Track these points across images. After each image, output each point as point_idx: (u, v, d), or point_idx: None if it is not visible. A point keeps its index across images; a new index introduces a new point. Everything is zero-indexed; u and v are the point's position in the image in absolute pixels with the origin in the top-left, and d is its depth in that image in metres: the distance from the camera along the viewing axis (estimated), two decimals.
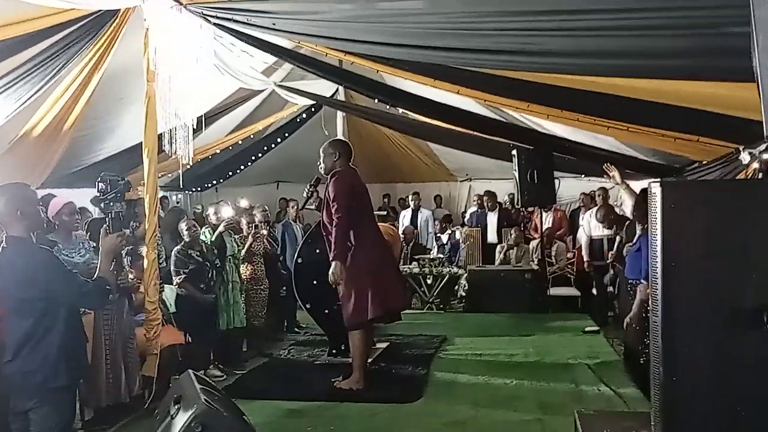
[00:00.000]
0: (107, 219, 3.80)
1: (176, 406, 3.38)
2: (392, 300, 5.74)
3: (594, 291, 8.84)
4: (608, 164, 6.32)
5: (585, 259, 8.92)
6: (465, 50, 4.02)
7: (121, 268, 4.85)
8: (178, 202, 12.39)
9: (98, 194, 3.97)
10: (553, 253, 9.91)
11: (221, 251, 6.61)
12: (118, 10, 5.06)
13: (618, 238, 7.60)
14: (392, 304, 5.79)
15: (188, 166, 6.73)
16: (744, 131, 4.84)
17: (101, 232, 3.70)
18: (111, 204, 3.87)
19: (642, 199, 4.97)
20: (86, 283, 3.45)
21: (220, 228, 6.70)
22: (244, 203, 8.46)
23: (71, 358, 3.39)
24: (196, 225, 6.58)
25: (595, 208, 8.97)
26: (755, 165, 5.29)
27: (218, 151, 10.46)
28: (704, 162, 6.49)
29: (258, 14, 4.63)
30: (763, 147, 5.12)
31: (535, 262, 9.62)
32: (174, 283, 6.16)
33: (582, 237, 9.15)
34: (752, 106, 3.97)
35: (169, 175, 9.68)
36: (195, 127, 6.44)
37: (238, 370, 6.45)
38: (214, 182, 13.00)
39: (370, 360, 6.09)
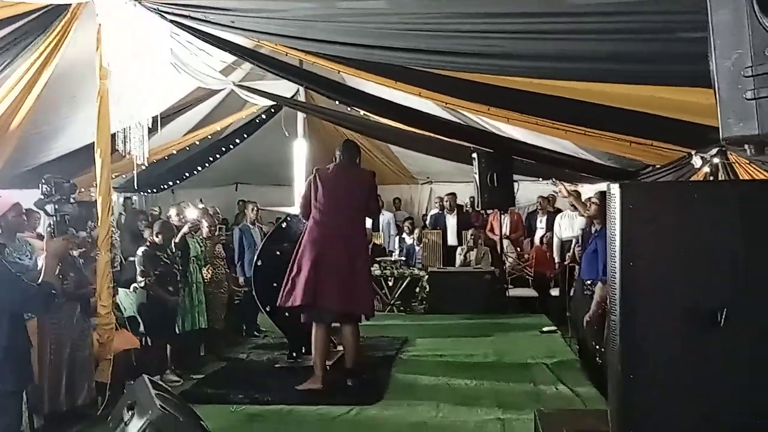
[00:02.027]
0: (52, 222, 3.69)
1: (130, 412, 3.30)
2: (326, 296, 5.47)
3: (556, 292, 8.98)
4: (554, 179, 6.48)
5: (556, 260, 9.10)
6: (425, 51, 4.02)
7: (69, 272, 4.71)
8: (132, 204, 12.16)
9: (42, 197, 3.85)
10: (511, 255, 10.03)
11: (184, 253, 6.52)
12: (69, 4, 4.92)
13: (575, 240, 7.73)
14: (324, 300, 5.48)
15: (143, 167, 6.61)
16: (696, 136, 4.96)
17: (45, 236, 3.60)
18: (56, 207, 3.76)
19: (602, 200, 5.06)
20: (30, 287, 3.35)
21: (184, 229, 6.60)
22: (200, 206, 8.35)
23: (15, 363, 3.28)
24: (172, 228, 6.47)
25: (570, 209, 9.15)
26: (706, 169, 5.44)
27: (175, 152, 10.29)
28: (657, 166, 6.63)
29: (216, 11, 4.56)
30: (714, 151, 5.27)
31: (495, 264, 9.71)
32: (140, 285, 6.05)
33: (554, 239, 9.34)
34: (705, 112, 4.07)
35: (124, 176, 9.49)
36: (150, 127, 6.32)
37: (196, 374, 6.35)
38: (171, 184, 12.77)
39: (330, 362, 6.05)
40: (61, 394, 4.86)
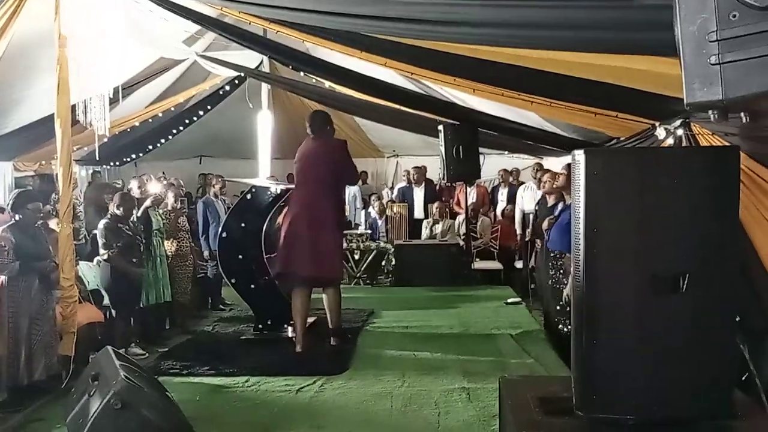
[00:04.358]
0: None
1: (94, 384, 3.27)
2: (296, 264, 5.76)
3: (520, 264, 9.10)
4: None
5: (518, 232, 9.21)
6: (389, 19, 3.97)
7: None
8: (100, 177, 11.95)
9: None
10: (478, 228, 10.11)
11: (147, 226, 6.44)
12: None
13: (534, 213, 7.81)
14: (295, 267, 5.78)
15: (105, 139, 6.47)
16: (660, 107, 5.01)
17: None
18: None
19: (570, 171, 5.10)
20: None
21: (147, 203, 6.51)
22: (163, 180, 8.23)
23: None
24: (133, 199, 6.38)
25: (533, 182, 9.23)
26: (670, 140, 5.50)
27: (137, 124, 10.10)
28: (622, 138, 6.69)
29: None
30: (677, 123, 5.33)
31: (461, 237, 9.79)
32: (104, 257, 5.96)
33: (516, 211, 9.46)
34: (669, 83, 4.10)
35: (86, 148, 9.29)
36: (111, 98, 6.19)
37: (161, 348, 6.30)
38: (133, 156, 12.56)
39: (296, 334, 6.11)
40: (20, 368, 4.80)
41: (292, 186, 6.32)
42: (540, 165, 9.56)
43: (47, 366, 4.99)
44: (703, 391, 2.39)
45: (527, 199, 9.34)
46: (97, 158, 8.15)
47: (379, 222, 11.05)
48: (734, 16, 1.65)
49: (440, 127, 8.44)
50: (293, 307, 5.89)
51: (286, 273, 5.90)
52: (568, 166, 5.61)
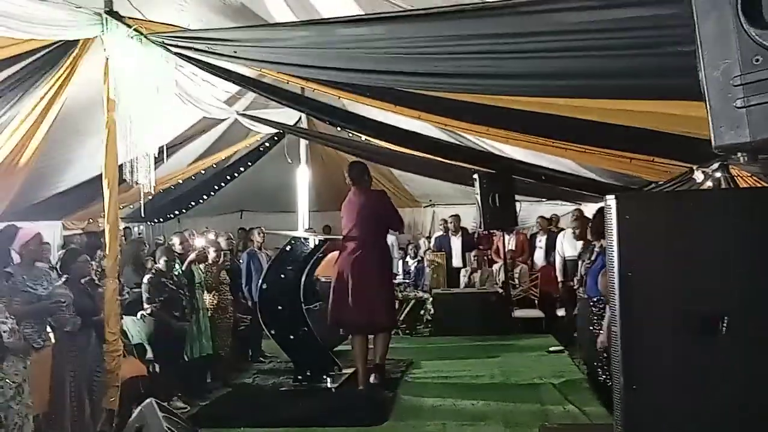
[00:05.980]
0: None
1: None
2: (347, 313, 6.15)
3: (563, 312, 8.94)
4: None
5: (559, 279, 9.08)
6: (423, 74, 4.07)
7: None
8: (140, 234, 12.23)
9: None
10: (516, 276, 10.02)
11: (190, 280, 6.58)
12: (78, 40, 5.03)
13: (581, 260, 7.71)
14: (347, 316, 6.18)
15: (150, 197, 6.68)
16: (696, 151, 4.99)
17: None
18: None
19: (599, 217, 5.06)
20: None
21: (191, 257, 6.66)
22: (211, 235, 8.41)
23: None
24: (174, 254, 6.56)
25: (570, 227, 9.13)
26: (709, 183, 5.45)
27: (180, 181, 10.39)
28: (660, 182, 6.65)
29: (219, 42, 4.64)
30: (715, 166, 5.29)
31: (500, 285, 9.70)
32: (147, 311, 6.09)
33: (557, 258, 9.33)
34: (704, 126, 4.11)
35: (131, 206, 9.56)
36: (156, 157, 6.41)
37: (202, 401, 6.35)
38: (177, 212, 12.86)
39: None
40: (75, 422, 4.89)
41: (331, 237, 6.44)
42: (580, 211, 9.48)
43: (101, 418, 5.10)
44: None
45: (567, 245, 9.23)
46: (143, 215, 8.38)
47: (428, 270, 11.03)
48: (757, 60, 1.67)
49: (475, 176, 8.50)
50: (357, 350, 6.24)
51: (340, 322, 6.27)
52: (598, 211, 5.57)
